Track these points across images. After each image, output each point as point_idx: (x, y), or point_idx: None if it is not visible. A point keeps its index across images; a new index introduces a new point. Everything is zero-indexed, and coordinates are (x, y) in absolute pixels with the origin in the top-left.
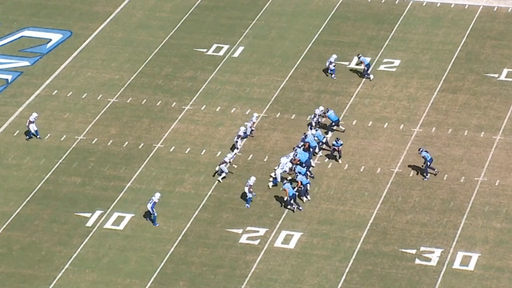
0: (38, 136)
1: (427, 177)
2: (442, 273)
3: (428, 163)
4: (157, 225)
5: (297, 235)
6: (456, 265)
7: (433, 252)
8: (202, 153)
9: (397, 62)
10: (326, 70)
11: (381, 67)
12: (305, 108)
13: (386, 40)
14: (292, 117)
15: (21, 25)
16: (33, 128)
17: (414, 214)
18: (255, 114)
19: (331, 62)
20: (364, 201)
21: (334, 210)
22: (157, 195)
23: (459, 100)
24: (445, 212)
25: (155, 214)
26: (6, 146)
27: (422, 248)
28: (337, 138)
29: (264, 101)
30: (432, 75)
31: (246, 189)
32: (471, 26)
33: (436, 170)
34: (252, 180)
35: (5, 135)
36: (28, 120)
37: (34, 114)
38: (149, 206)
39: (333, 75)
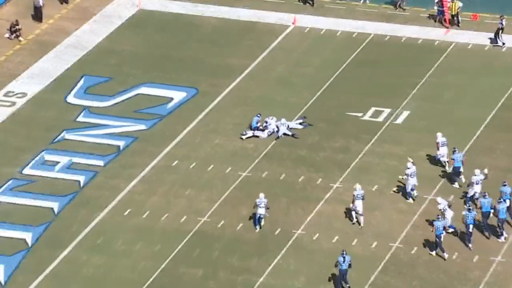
0: None
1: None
2: None
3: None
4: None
5: None
6: None
7: None
8: (353, 243)
9: None
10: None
11: None
12: (486, 189)
13: None
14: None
15: (137, 80)
16: None
17: None
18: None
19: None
20: None
21: None
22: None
23: None
24: None
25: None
26: (115, 228)
27: None
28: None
29: (434, 180)
30: None
31: None
32: None
33: None
34: None
35: (114, 214)
36: None
37: None
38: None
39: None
